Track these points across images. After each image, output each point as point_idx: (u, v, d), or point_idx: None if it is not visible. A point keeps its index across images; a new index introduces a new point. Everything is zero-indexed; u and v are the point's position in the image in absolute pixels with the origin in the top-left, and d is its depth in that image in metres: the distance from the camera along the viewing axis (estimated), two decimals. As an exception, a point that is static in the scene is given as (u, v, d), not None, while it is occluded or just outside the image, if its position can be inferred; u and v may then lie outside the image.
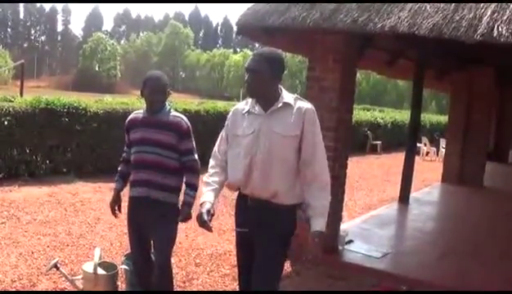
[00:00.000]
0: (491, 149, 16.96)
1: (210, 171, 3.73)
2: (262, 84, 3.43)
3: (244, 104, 3.62)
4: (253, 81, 3.45)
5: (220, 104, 15.74)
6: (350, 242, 7.04)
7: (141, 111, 4.41)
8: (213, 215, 3.53)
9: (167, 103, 4.36)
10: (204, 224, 3.47)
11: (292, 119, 3.42)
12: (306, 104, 3.48)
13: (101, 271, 4.53)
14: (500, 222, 9.76)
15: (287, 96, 3.49)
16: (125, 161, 4.60)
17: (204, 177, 3.73)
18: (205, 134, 12.60)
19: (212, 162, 3.75)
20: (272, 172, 3.45)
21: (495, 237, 8.56)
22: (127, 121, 4.46)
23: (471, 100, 13.27)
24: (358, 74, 7.18)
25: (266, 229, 3.49)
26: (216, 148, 3.76)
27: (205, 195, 3.62)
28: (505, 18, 4.82)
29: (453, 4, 5.18)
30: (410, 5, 5.38)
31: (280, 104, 3.45)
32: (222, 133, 3.74)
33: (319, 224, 3.44)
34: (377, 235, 7.85)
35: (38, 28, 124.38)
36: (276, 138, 3.43)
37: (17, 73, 59.80)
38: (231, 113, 3.71)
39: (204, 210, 3.50)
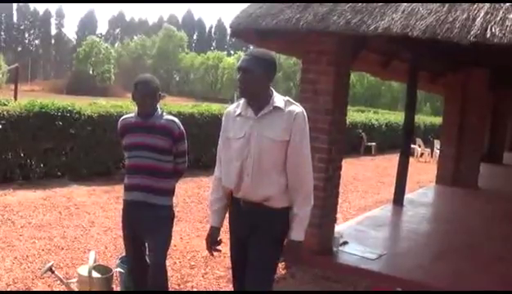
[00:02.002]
0: (485, 151, 17.03)
1: (213, 184, 3.82)
2: (254, 83, 3.41)
3: (236, 107, 3.61)
4: (244, 80, 3.43)
5: (214, 107, 15.71)
6: (345, 243, 7.04)
7: (133, 114, 4.38)
8: (218, 241, 3.80)
9: (158, 106, 4.35)
10: (208, 250, 3.84)
11: (282, 124, 3.40)
12: (296, 108, 3.45)
13: (95, 274, 4.53)
14: (495, 223, 9.78)
15: (278, 99, 3.47)
16: None
17: (209, 194, 3.88)
18: (200, 136, 12.71)
19: (215, 172, 3.79)
20: (263, 177, 3.44)
21: (490, 238, 8.57)
22: (119, 126, 4.43)
23: (465, 102, 13.28)
24: (352, 76, 7.18)
25: (259, 232, 3.50)
26: (218, 154, 3.78)
27: (211, 218, 3.83)
28: (498, 19, 4.83)
29: (446, 5, 5.19)
30: (403, 6, 5.39)
31: (271, 108, 3.43)
32: (221, 138, 3.75)
33: (297, 233, 3.48)
34: (372, 237, 7.86)
35: (31, 31, 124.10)
36: (266, 143, 3.41)
37: (11, 77, 59.66)
38: (224, 116, 3.71)
39: (208, 237, 3.79)
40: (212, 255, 3.89)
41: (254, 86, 3.43)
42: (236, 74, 3.54)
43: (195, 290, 5.63)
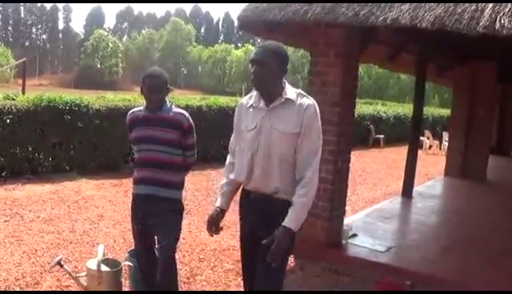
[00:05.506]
0: (493, 143, 16.96)
1: (224, 171, 3.83)
2: (268, 76, 3.39)
3: (249, 98, 3.60)
4: (258, 73, 3.40)
5: (222, 100, 15.68)
6: (354, 236, 7.04)
7: (141, 108, 4.38)
8: (220, 226, 3.74)
9: (167, 99, 4.34)
10: (208, 230, 3.76)
11: (293, 116, 3.38)
12: (308, 101, 3.42)
13: (104, 268, 4.53)
14: (504, 216, 9.74)
15: (290, 92, 3.44)
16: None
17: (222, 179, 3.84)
18: (208, 129, 12.71)
19: (228, 158, 3.81)
20: (273, 169, 3.42)
21: (498, 231, 8.53)
22: (128, 119, 4.43)
23: (474, 95, 13.23)
24: (360, 68, 7.14)
25: (269, 225, 3.47)
26: (230, 144, 3.79)
27: (217, 200, 3.77)
28: (507, 10, 4.79)
29: (455, -4, 5.16)
30: (411, -2, 5.36)
31: (283, 100, 3.41)
32: (234, 130, 3.75)
33: (289, 220, 3.30)
34: (381, 229, 7.84)
35: (39, 26, 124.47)
36: (276, 134, 3.40)
37: (19, 72, 59.86)
38: (237, 108, 3.71)
39: (210, 217, 3.72)
40: (211, 235, 3.79)
41: (268, 79, 3.40)
42: (245, 67, 3.52)
43: (204, 284, 5.63)
